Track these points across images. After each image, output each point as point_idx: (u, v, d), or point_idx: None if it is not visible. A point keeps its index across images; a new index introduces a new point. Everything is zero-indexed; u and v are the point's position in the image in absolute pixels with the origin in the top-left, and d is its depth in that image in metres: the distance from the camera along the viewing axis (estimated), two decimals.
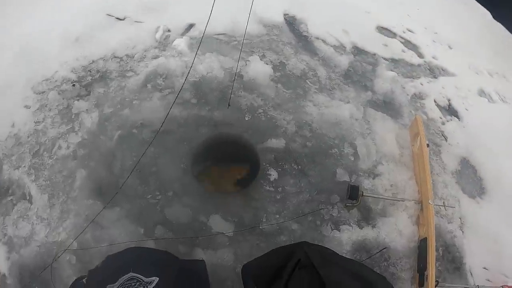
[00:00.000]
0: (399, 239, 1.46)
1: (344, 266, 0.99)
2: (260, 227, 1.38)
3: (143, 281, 0.87)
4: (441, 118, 1.93)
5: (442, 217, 1.61)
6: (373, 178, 1.53)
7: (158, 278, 0.88)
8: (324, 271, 0.91)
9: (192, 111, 1.67)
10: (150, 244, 1.39)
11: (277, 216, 1.41)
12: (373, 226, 1.45)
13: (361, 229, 1.43)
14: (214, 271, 1.32)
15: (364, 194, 1.45)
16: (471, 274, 1.58)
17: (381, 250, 1.43)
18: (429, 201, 1.47)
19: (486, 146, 1.89)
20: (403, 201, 1.51)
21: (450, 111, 2.00)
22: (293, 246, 1.10)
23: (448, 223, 1.64)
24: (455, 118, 1.98)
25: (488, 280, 1.57)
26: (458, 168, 1.80)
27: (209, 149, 1.61)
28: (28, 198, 1.55)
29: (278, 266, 1.02)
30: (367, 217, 1.46)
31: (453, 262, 1.58)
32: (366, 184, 1.51)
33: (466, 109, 2.07)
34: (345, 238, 1.40)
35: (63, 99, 1.76)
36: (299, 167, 1.50)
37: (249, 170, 1.57)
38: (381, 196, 1.48)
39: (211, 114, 1.65)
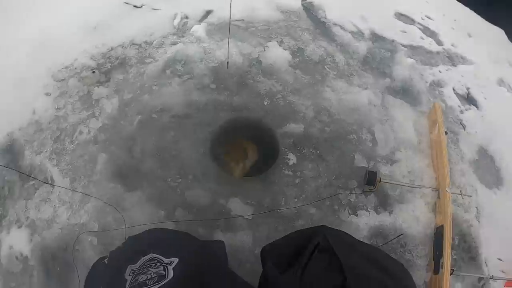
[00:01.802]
0: (415, 225, 1.44)
1: (362, 251, 0.97)
2: (279, 211, 1.36)
3: (163, 261, 0.86)
4: (459, 106, 1.88)
5: (458, 206, 1.58)
6: (391, 165, 1.50)
7: (178, 259, 0.86)
8: (342, 255, 0.90)
9: (211, 96, 1.65)
10: (170, 226, 1.38)
11: (296, 200, 1.39)
12: (390, 212, 1.42)
13: (378, 214, 1.40)
14: (233, 254, 1.31)
15: (381, 180, 1.42)
16: (485, 264, 1.55)
17: (397, 236, 1.41)
18: (446, 189, 1.44)
19: (505, 136, 1.84)
20: (420, 188, 1.48)
21: (469, 100, 1.95)
22: (312, 229, 1.08)
23: (465, 212, 1.60)
24: (474, 107, 1.92)
25: (502, 271, 1.53)
26: (476, 158, 1.76)
27: (228, 133, 1.59)
28: (50, 182, 1.55)
29: (297, 248, 1.01)
30: (384, 203, 1.43)
31: (468, 251, 1.55)
32: (383, 170, 1.48)
33: (485, 98, 2.01)
34: (362, 223, 1.37)
35: (83, 85, 1.76)
36: (318, 152, 1.47)
37: (268, 155, 1.55)
38: (398, 183, 1.45)
39: (230, 99, 1.63)
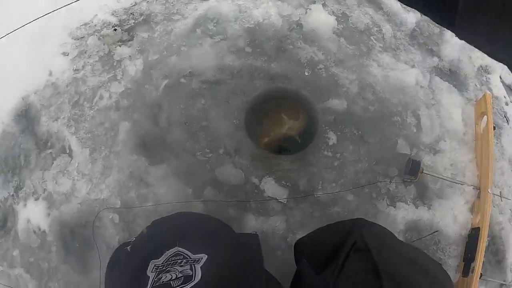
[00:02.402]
0: (452, 224, 1.32)
1: (401, 252, 0.83)
2: (315, 196, 1.23)
3: (190, 258, 0.69)
4: (505, 97, 1.72)
5: (494, 206, 1.46)
6: (434, 154, 1.36)
7: (207, 256, 0.69)
8: (379, 258, 0.75)
9: (246, 61, 1.44)
10: (198, 206, 1.23)
11: (333, 184, 1.25)
12: (429, 207, 1.30)
13: (417, 208, 1.27)
14: (264, 239, 1.18)
15: (424, 171, 1.29)
16: (510, 269, 1.48)
17: (432, 233, 1.30)
18: (488, 190, 1.31)
19: None
20: (462, 184, 1.35)
21: None
22: (349, 224, 0.93)
23: (499, 213, 1.49)
24: None
25: None
26: None
27: (265, 104, 1.40)
28: (68, 152, 1.38)
29: (333, 246, 0.87)
30: (423, 196, 1.30)
31: (496, 254, 1.45)
32: (426, 160, 1.33)
33: None
34: (400, 216, 1.25)
35: (103, 44, 1.52)
36: (360, 132, 1.31)
37: (307, 131, 1.38)
38: (441, 176, 1.32)
39: (268, 65, 1.43)
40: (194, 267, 0.66)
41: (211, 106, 1.38)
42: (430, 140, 1.38)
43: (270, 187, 1.26)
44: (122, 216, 1.27)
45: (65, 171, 1.35)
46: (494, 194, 1.34)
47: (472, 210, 1.38)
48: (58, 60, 1.51)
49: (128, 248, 0.85)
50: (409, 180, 1.28)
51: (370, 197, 1.25)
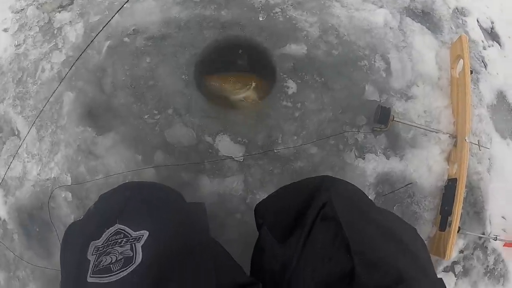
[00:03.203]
0: (427, 175, 1.20)
1: (374, 221, 0.67)
2: (275, 151, 1.08)
3: (131, 236, 0.60)
4: (483, 42, 1.58)
5: (472, 156, 1.34)
6: (406, 101, 1.21)
7: (148, 233, 0.61)
8: (350, 232, 0.61)
9: (194, 11, 1.26)
10: (149, 173, 1.09)
11: (295, 137, 1.09)
12: (401, 158, 1.16)
13: (388, 159, 1.14)
14: (222, 202, 1.05)
15: (395, 118, 1.15)
16: (489, 221, 1.37)
17: (406, 185, 1.17)
18: (466, 138, 1.18)
19: None
20: (438, 132, 1.22)
21: (492, 35, 1.66)
22: (314, 184, 0.79)
23: (478, 163, 1.37)
24: (497, 44, 1.65)
25: (504, 231, 1.35)
26: (494, 102, 1.51)
27: (215, 56, 1.22)
28: (16, 133, 1.26)
29: (297, 211, 0.74)
30: (395, 146, 1.16)
31: (474, 205, 1.35)
32: (397, 106, 1.19)
33: (509, 37, 1.73)
34: (369, 169, 1.11)
35: (43, 13, 1.35)
36: (322, 79, 1.15)
37: (263, 81, 1.21)
38: (413, 124, 1.18)
39: (218, 13, 1.25)
40: (135, 246, 0.58)
41: (157, 64, 1.21)
42: (401, 86, 1.23)
43: (225, 145, 1.11)
44: (74, 193, 1.16)
45: (15, 154, 1.22)
46: (472, 143, 1.22)
47: (448, 159, 1.25)
48: (0, 38, 1.36)
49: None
50: (379, 129, 1.14)
51: (336, 149, 1.11)
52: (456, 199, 1.11)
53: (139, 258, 0.55)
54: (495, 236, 1.25)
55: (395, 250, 0.60)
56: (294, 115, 1.11)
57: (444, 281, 0.57)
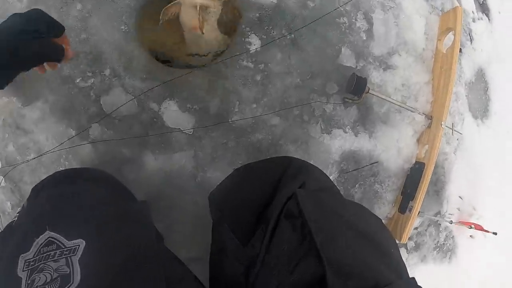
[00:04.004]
0: (395, 157, 1.06)
1: (345, 220, 0.56)
2: (230, 122, 0.88)
3: (64, 247, 0.48)
4: (473, 13, 1.40)
5: (442, 136, 1.25)
6: (384, 70, 1.03)
7: (84, 243, 0.48)
8: (320, 236, 0.50)
9: None
10: (86, 150, 0.88)
11: (254, 105, 0.90)
12: (371, 135, 1.01)
13: (356, 136, 0.99)
14: (169, 181, 0.88)
15: (370, 90, 0.98)
16: (447, 201, 1.31)
17: (372, 164, 1.04)
18: (442, 123, 1.04)
19: (505, 63, 1.48)
20: (414, 112, 1.06)
21: (483, 7, 1.47)
22: (277, 170, 0.66)
23: (446, 143, 1.27)
24: (486, 17, 1.47)
25: (458, 209, 1.32)
26: (473, 80, 1.37)
27: (161, 1, 0.94)
28: None
29: (259, 206, 0.62)
30: (365, 120, 1.00)
31: (435, 185, 1.27)
32: (374, 76, 1.01)
33: (499, 12, 1.55)
34: (335, 146, 0.96)
35: None
36: (292, 36, 0.93)
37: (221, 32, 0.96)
38: (389, 99, 1.01)
39: None
40: (71, 261, 0.46)
41: (91, 12, 0.92)
42: (382, 52, 1.04)
43: (172, 114, 0.90)
44: (7, 176, 0.94)
45: None
46: (447, 127, 1.08)
47: (418, 140, 1.12)
48: None
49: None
50: (350, 100, 0.96)
51: (300, 120, 0.93)
52: (420, 184, 1.00)
53: (77, 276, 0.44)
54: (450, 220, 1.18)
55: (369, 253, 0.51)
56: (254, 79, 0.90)
57: None
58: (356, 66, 0.98)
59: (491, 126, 1.43)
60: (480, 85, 1.41)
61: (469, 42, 1.35)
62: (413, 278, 0.53)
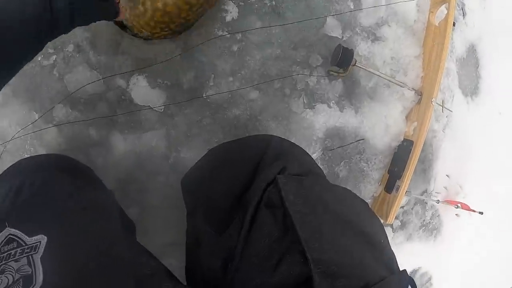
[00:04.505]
0: (382, 135, 0.99)
1: (331, 210, 0.49)
2: (205, 97, 0.80)
3: (25, 244, 0.42)
4: None
5: (432, 113, 1.18)
6: (372, 42, 0.95)
7: (46, 238, 0.43)
8: (305, 232, 0.44)
9: None
10: (52, 134, 0.79)
11: (231, 78, 0.81)
12: (357, 111, 0.94)
13: (342, 112, 0.92)
14: (140, 164, 0.80)
15: (357, 63, 0.89)
16: (434, 179, 1.26)
17: (357, 141, 0.97)
18: (432, 100, 0.96)
19: (497, 40, 1.40)
20: (403, 87, 0.99)
21: None
22: (256, 151, 0.59)
23: (436, 120, 1.21)
24: None
25: (445, 188, 1.27)
26: (464, 56, 1.29)
27: None
28: None
29: (236, 192, 0.56)
30: (351, 95, 0.93)
31: (422, 162, 1.22)
32: (362, 48, 0.93)
33: None
34: (319, 122, 0.88)
35: None
36: (273, 2, 0.83)
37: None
38: (377, 72, 0.93)
39: None
40: (33, 259, 0.40)
41: None
42: (370, 23, 0.95)
43: (141, 90, 0.80)
44: None
45: None
46: (437, 104, 1.00)
47: (407, 117, 1.05)
48: None
49: None
50: (336, 73, 0.88)
51: (282, 94, 0.85)
52: (408, 163, 0.93)
53: (39, 277, 0.39)
54: (437, 200, 1.13)
55: (358, 248, 0.46)
56: (231, 50, 0.80)
57: None
58: (342, 37, 0.89)
59: (481, 104, 1.37)
60: (471, 61, 1.34)
61: (461, 17, 1.26)
62: (404, 270, 0.47)
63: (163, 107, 0.81)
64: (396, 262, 0.49)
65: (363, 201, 0.57)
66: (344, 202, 0.53)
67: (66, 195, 0.50)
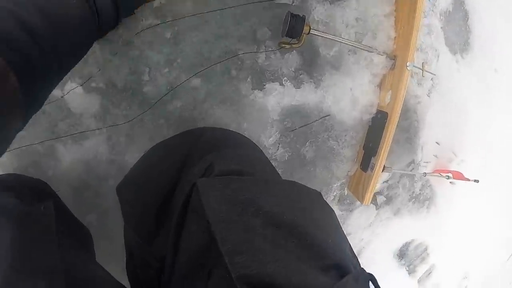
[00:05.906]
0: (350, 109, 0.86)
1: (261, 211, 0.39)
2: (144, 90, 0.67)
3: None
4: None
5: (412, 76, 1.01)
6: (331, 3, 0.79)
7: None
8: (228, 248, 0.36)
9: None
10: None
11: (166, 69, 0.68)
12: (318, 85, 0.80)
13: (299, 88, 0.78)
14: (89, 170, 0.72)
15: (311, 30, 0.75)
16: (422, 148, 1.12)
17: (322, 118, 0.84)
18: (408, 65, 0.80)
19: None
20: (371, 51, 0.83)
21: None
22: (181, 151, 0.51)
23: (418, 85, 1.05)
24: None
25: (435, 156, 1.14)
26: (450, 9, 1.10)
27: None
28: None
29: (161, 198, 0.50)
30: (310, 68, 0.79)
31: (407, 131, 1.07)
32: (318, 12, 0.77)
33: None
34: (271, 104, 0.75)
35: None
36: None
37: None
38: (339, 38, 0.78)
39: None
40: None
41: None
42: None
43: (76, 99, 0.69)
44: None
45: None
46: (415, 67, 0.83)
47: (380, 85, 0.90)
48: None
49: None
50: (288, 45, 0.74)
51: (228, 75, 0.72)
52: (383, 138, 0.79)
53: None
54: (424, 173, 1.00)
55: (295, 257, 0.36)
56: (164, 36, 0.67)
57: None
58: (293, 2, 0.74)
59: (473, 62, 1.18)
60: (458, 14, 1.14)
61: None
62: (362, 269, 0.40)
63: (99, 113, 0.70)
64: (352, 260, 0.41)
65: (313, 193, 0.47)
66: (284, 201, 0.42)
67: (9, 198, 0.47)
